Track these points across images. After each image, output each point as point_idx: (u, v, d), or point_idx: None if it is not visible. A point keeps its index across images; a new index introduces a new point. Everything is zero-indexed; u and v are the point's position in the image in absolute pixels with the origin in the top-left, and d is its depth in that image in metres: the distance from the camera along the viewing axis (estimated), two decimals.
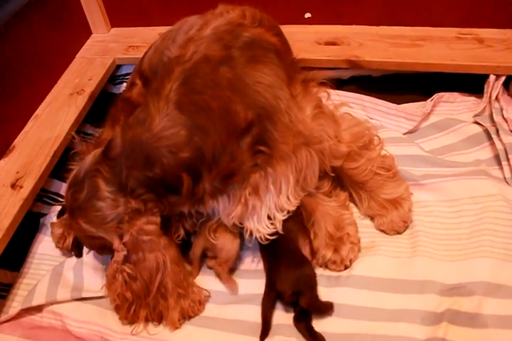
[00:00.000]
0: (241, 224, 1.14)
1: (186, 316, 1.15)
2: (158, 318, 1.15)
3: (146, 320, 1.14)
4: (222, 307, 1.18)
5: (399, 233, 1.27)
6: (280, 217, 1.13)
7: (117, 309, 1.15)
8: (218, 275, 1.23)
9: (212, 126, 0.98)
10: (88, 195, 1.03)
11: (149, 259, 1.06)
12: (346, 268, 1.21)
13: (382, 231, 1.28)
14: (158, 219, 1.06)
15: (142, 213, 1.04)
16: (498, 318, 1.06)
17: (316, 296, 1.13)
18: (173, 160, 0.98)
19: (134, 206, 1.02)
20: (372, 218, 1.31)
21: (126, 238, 1.04)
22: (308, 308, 1.10)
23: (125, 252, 1.06)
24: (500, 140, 1.40)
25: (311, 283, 1.14)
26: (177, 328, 1.14)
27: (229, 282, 1.22)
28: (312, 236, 1.24)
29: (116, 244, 1.06)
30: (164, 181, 1.01)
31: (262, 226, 1.13)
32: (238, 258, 1.26)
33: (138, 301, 1.11)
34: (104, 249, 1.14)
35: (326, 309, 1.12)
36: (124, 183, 1.01)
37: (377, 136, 1.29)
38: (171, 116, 0.97)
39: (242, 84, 1.01)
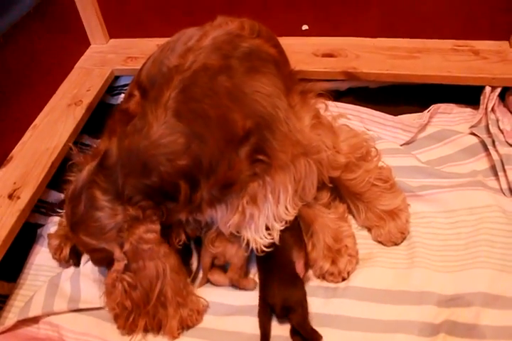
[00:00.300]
0: (238, 233, 1.14)
1: (185, 326, 1.14)
2: (157, 327, 1.14)
3: (145, 330, 1.13)
4: (220, 318, 1.18)
5: (396, 244, 1.27)
6: (278, 227, 1.13)
7: (116, 318, 1.14)
8: (235, 282, 1.23)
9: (211, 135, 0.98)
10: (86, 207, 1.03)
11: (149, 268, 1.06)
12: (344, 280, 1.21)
13: (379, 242, 1.28)
14: (157, 227, 1.06)
15: (141, 221, 1.04)
16: (496, 329, 1.06)
17: (307, 317, 1.11)
18: (170, 168, 0.98)
19: (132, 213, 1.02)
20: (369, 229, 1.31)
21: (126, 247, 1.04)
22: (298, 328, 1.09)
23: (125, 261, 1.05)
24: (497, 151, 1.41)
25: (301, 302, 1.12)
26: (175, 338, 1.14)
27: (248, 283, 1.22)
28: (310, 248, 1.24)
29: (117, 253, 1.05)
30: (162, 189, 1.01)
31: (259, 236, 1.13)
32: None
33: (137, 310, 1.10)
34: (111, 263, 1.11)
35: (315, 338, 1.09)
36: (120, 191, 1.01)
37: (375, 148, 1.29)
38: (169, 124, 0.98)
39: (240, 94, 1.02)
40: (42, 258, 1.38)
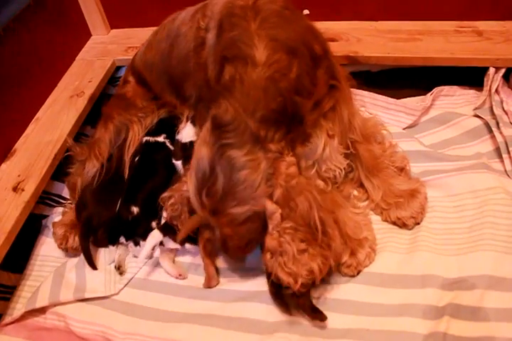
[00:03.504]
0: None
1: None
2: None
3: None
4: (225, 304, 1.19)
5: (417, 223, 1.25)
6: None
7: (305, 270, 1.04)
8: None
9: (301, 51, 1.07)
10: (226, 176, 0.97)
11: (301, 202, 1.01)
12: (358, 273, 1.18)
13: (398, 220, 1.26)
14: (294, 159, 1.05)
15: (280, 158, 1.02)
16: (500, 311, 1.06)
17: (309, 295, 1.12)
18: (287, 83, 1.03)
19: (274, 151, 1.01)
20: (386, 210, 1.28)
21: (277, 193, 1.00)
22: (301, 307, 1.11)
23: (280, 211, 1.00)
24: (501, 132, 1.40)
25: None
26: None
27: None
28: None
29: (269, 205, 1.00)
30: (285, 110, 1.03)
31: (339, 162, 1.18)
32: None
33: (313, 244, 1.03)
34: (253, 233, 1.06)
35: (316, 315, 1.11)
36: (255, 132, 0.99)
37: (388, 131, 1.38)
38: (270, 46, 1.04)
39: (306, 25, 1.14)
40: (47, 249, 1.40)
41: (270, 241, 1.02)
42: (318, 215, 1.01)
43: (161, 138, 1.43)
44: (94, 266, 1.28)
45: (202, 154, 0.99)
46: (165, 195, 1.22)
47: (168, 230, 1.23)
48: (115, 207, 1.33)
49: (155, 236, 1.24)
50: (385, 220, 1.29)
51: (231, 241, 1.07)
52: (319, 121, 1.13)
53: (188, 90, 1.31)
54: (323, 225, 1.03)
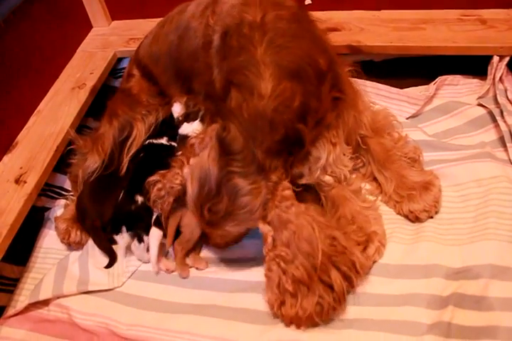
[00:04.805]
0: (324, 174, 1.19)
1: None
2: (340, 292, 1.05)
3: (318, 312, 1.04)
4: (226, 295, 1.19)
5: (430, 216, 1.24)
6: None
7: (278, 309, 1.07)
8: (175, 255, 1.25)
9: (306, 72, 1.07)
10: (230, 200, 1.02)
11: (302, 225, 1.03)
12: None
13: (411, 214, 1.24)
14: (289, 184, 1.07)
15: (278, 182, 1.05)
16: (505, 301, 1.05)
17: None
18: (290, 113, 1.03)
19: (273, 179, 1.04)
20: (398, 203, 1.27)
21: (271, 214, 1.04)
22: None
23: (272, 233, 1.05)
24: (505, 121, 1.38)
25: None
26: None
27: (182, 266, 1.24)
28: None
29: (261, 226, 1.06)
30: (288, 139, 1.04)
31: (343, 165, 1.20)
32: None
33: (301, 290, 1.04)
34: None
35: None
36: (261, 163, 1.02)
37: (398, 121, 1.38)
38: (275, 75, 1.04)
39: (311, 35, 1.15)
40: (50, 242, 1.40)
41: (265, 264, 1.08)
42: (328, 234, 1.04)
43: (165, 141, 1.42)
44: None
45: (209, 168, 1.03)
46: (153, 178, 1.24)
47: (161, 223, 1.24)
48: (113, 203, 1.33)
49: (155, 234, 1.24)
50: (398, 213, 1.28)
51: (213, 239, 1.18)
52: (322, 133, 1.14)
53: (197, 87, 1.32)
54: (338, 241, 1.05)
